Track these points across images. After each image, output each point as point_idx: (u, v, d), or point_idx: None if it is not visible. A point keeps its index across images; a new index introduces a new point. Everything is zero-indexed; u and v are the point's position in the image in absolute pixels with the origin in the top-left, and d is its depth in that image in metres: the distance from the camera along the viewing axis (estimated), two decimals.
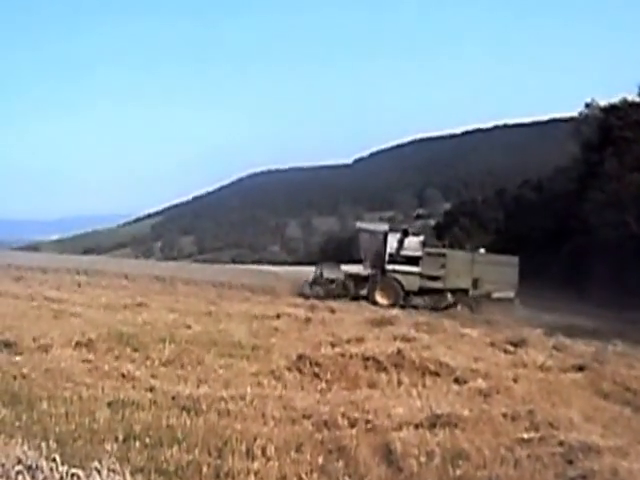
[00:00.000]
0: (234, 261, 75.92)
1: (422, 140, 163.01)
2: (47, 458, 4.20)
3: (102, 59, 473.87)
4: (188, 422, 6.72)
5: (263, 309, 18.37)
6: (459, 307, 25.29)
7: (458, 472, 5.75)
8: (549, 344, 14.70)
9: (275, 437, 6.38)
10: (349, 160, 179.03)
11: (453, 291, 25.66)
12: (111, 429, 6.29)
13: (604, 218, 30.78)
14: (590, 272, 29.73)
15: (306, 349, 10.58)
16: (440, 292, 25.75)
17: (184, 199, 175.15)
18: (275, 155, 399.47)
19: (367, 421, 7.02)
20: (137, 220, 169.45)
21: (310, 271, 27.77)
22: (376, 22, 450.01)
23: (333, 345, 11.22)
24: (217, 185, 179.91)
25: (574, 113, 45.46)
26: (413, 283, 25.63)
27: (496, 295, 24.98)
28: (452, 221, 53.63)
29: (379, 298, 25.37)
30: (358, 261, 27.57)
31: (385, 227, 29.48)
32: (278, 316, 16.47)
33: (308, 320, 16.29)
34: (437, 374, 9.76)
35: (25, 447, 4.47)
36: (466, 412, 7.36)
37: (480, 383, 9.24)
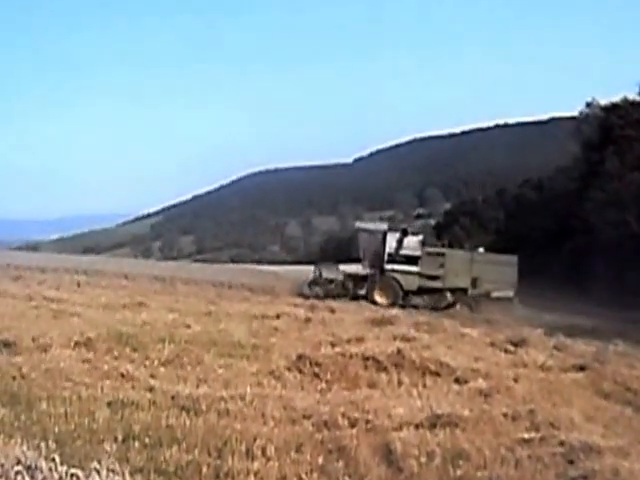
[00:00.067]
0: (234, 261, 75.86)
1: (422, 139, 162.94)
2: (46, 458, 4.18)
3: (101, 59, 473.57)
4: (188, 422, 6.69)
5: (263, 309, 18.35)
6: (458, 306, 25.32)
7: (458, 472, 5.73)
8: (550, 344, 14.68)
9: (275, 437, 6.35)
10: (349, 159, 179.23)
11: (452, 290, 25.68)
12: (110, 429, 6.26)
13: (605, 217, 30.79)
14: (591, 271, 29.77)
15: (306, 349, 10.56)
16: (439, 291, 25.78)
17: (183, 199, 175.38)
18: (275, 154, 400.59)
19: (367, 421, 7.00)
20: (136, 220, 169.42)
21: (310, 271, 27.77)
22: (376, 21, 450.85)
23: (333, 345, 11.20)
24: (217, 184, 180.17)
25: (575, 112, 45.58)
26: (412, 283, 25.62)
27: (495, 294, 24.98)
28: (452, 221, 53.64)
29: (378, 298, 25.37)
30: (357, 260, 27.57)
31: (384, 226, 29.51)
32: (278, 316, 16.45)
33: (308, 320, 16.28)
34: (437, 374, 9.74)
35: (24, 447, 4.45)
36: (466, 412, 7.34)
37: (480, 383, 9.22)
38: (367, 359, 9.88)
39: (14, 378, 7.97)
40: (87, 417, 6.59)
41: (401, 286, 25.57)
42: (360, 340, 11.84)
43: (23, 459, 4.10)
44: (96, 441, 5.87)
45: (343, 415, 7.11)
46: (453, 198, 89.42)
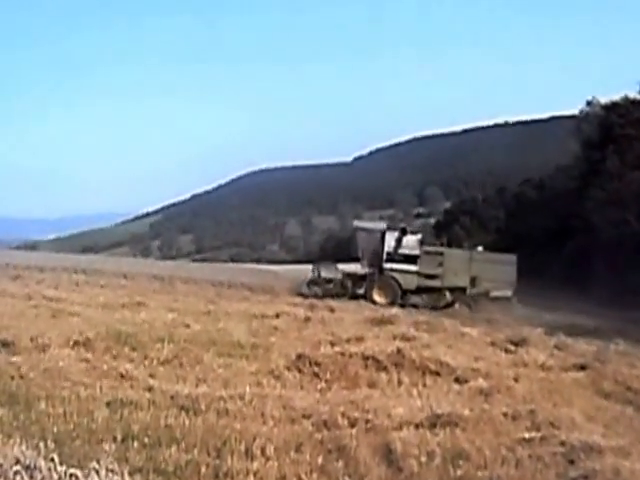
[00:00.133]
0: (233, 260, 75.91)
1: (422, 138, 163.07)
2: (45, 458, 4.16)
3: (101, 59, 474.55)
4: (187, 422, 6.67)
5: (262, 308, 18.33)
6: (457, 305, 25.30)
7: (459, 472, 5.71)
8: (550, 343, 14.65)
9: (274, 437, 6.33)
10: (349, 158, 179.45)
11: (451, 289, 25.64)
12: (109, 429, 6.24)
13: (605, 216, 30.74)
14: (591, 271, 29.74)
15: (305, 348, 10.54)
16: (438, 290, 25.73)
17: (183, 198, 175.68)
18: (274, 153, 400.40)
19: (367, 421, 6.98)
20: (135, 219, 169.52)
21: (309, 270, 27.74)
22: (376, 21, 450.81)
23: (333, 344, 11.17)
24: (216, 184, 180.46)
25: (575, 111, 45.41)
26: (411, 282, 25.59)
27: (494, 294, 24.95)
28: (452, 220, 53.61)
29: (377, 297, 25.34)
30: (357, 260, 27.54)
31: (383, 225, 29.50)
32: (277, 315, 16.43)
33: (307, 319, 16.26)
34: (437, 373, 9.72)
35: (23, 447, 4.43)
36: (467, 412, 7.32)
37: (481, 382, 9.20)
38: (367, 358, 9.86)
39: (13, 378, 7.95)
40: (86, 417, 6.57)
41: (400, 285, 25.54)
42: (360, 339, 11.82)
43: (22, 459, 4.08)
44: (95, 441, 5.86)
45: (343, 415, 7.09)
46: (453, 197, 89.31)
